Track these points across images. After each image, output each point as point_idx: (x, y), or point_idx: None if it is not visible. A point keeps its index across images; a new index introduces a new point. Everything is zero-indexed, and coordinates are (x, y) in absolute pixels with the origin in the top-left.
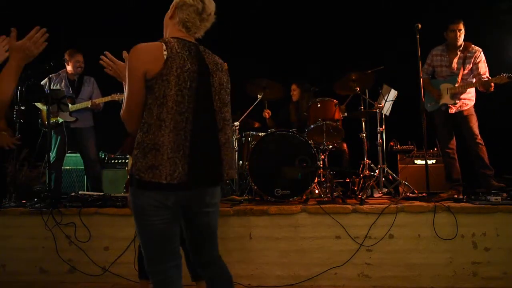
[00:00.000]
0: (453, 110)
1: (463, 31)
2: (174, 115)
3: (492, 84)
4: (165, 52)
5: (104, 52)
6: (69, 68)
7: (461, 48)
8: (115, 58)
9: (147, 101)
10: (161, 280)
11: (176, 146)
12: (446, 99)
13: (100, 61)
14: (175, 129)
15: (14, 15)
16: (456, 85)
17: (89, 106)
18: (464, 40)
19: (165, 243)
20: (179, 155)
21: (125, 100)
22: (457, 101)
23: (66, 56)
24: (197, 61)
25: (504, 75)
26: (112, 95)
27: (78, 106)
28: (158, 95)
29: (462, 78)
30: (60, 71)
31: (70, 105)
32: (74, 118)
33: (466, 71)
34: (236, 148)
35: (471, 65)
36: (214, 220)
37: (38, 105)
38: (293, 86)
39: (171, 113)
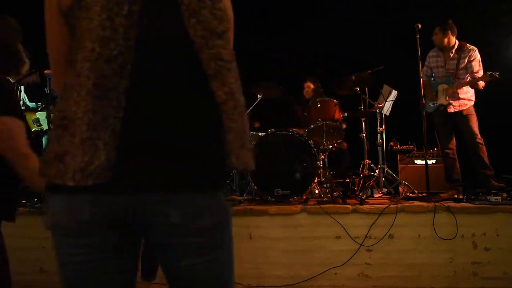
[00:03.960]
0: (451, 109)
1: (440, 37)
2: (96, 63)
3: (479, 82)
4: None
5: None
6: None
7: (454, 49)
8: None
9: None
10: None
11: (98, 118)
12: (442, 99)
13: None
14: (97, 88)
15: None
16: (450, 86)
17: None
18: (463, 40)
19: None
20: (104, 134)
21: None
22: (452, 101)
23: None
24: None
25: (488, 73)
26: None
27: None
28: (75, 36)
29: (457, 78)
30: None
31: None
32: None
33: (461, 71)
34: None
35: (465, 64)
36: (210, 268)
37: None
38: (308, 83)
39: (89, 58)
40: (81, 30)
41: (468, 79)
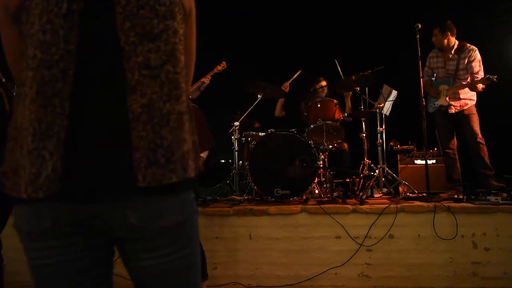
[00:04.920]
0: (453, 110)
1: (439, 38)
2: (38, 70)
3: (478, 85)
4: None
5: None
6: None
7: (454, 49)
8: None
9: None
10: None
11: (43, 127)
12: (442, 100)
13: None
14: (41, 96)
15: None
16: (450, 87)
17: None
18: (462, 40)
19: None
20: (49, 143)
21: None
22: (453, 102)
23: None
24: None
25: (486, 76)
26: None
27: None
28: (21, 42)
29: (458, 78)
30: None
31: None
32: None
33: (461, 71)
34: (236, 148)
35: (465, 64)
36: (174, 268)
37: None
38: (323, 82)
39: (31, 66)
40: (24, 36)
41: (468, 80)
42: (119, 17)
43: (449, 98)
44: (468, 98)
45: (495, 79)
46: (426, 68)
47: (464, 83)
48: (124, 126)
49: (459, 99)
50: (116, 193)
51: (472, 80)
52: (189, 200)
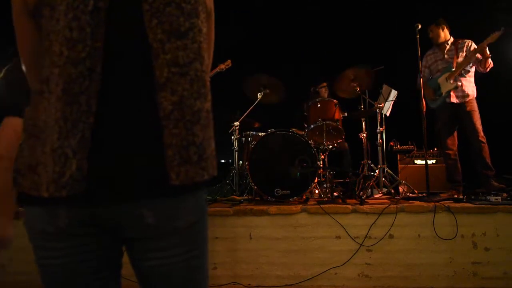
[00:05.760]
0: (454, 99)
1: (436, 31)
2: (65, 67)
3: (488, 60)
4: None
5: None
6: None
7: (450, 42)
8: None
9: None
10: None
11: (69, 125)
12: (446, 87)
13: None
14: (66, 93)
15: None
16: (453, 70)
17: None
18: (461, 38)
19: None
20: (73, 142)
21: None
22: (458, 83)
23: None
24: None
25: (491, 34)
26: None
27: None
28: (42, 37)
29: (458, 65)
30: None
31: None
32: None
33: (460, 59)
34: (236, 148)
35: (465, 52)
36: (185, 267)
37: None
38: (324, 83)
39: (58, 64)
40: (47, 31)
41: (471, 67)
42: (146, 14)
43: (453, 81)
44: (470, 90)
45: (502, 30)
46: (423, 68)
47: (470, 54)
48: (152, 124)
49: (462, 89)
50: (138, 193)
51: (479, 45)
52: (203, 199)
